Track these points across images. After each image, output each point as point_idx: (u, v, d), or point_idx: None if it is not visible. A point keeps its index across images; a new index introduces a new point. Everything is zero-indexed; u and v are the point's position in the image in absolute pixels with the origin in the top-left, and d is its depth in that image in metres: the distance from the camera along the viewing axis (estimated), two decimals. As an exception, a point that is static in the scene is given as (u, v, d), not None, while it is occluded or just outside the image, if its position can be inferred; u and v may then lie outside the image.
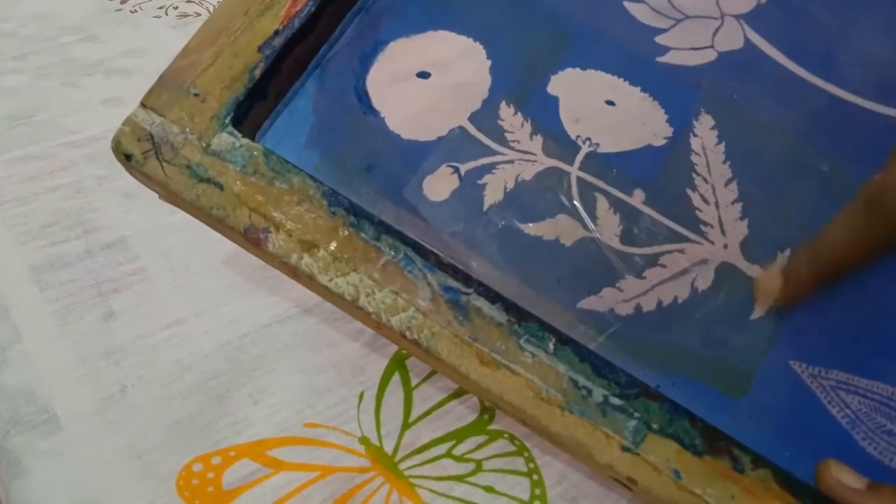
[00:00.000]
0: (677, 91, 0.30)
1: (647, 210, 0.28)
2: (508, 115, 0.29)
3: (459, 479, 0.31)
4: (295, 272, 0.26)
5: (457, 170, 0.28)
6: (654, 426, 0.25)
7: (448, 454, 0.32)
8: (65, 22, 0.60)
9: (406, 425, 0.33)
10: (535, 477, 0.31)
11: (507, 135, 0.29)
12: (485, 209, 0.28)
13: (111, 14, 0.61)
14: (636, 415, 0.25)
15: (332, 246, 0.26)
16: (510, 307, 0.26)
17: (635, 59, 0.30)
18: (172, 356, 0.34)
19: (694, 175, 0.29)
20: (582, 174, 0.29)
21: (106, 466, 0.30)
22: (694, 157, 0.29)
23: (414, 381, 0.34)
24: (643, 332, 0.27)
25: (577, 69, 0.30)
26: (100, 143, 0.47)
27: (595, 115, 0.30)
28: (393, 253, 0.26)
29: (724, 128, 0.30)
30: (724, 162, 0.29)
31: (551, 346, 0.26)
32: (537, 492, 0.31)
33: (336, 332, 0.36)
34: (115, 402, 0.33)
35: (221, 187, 0.27)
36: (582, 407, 0.25)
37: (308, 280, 0.26)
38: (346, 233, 0.26)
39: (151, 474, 0.30)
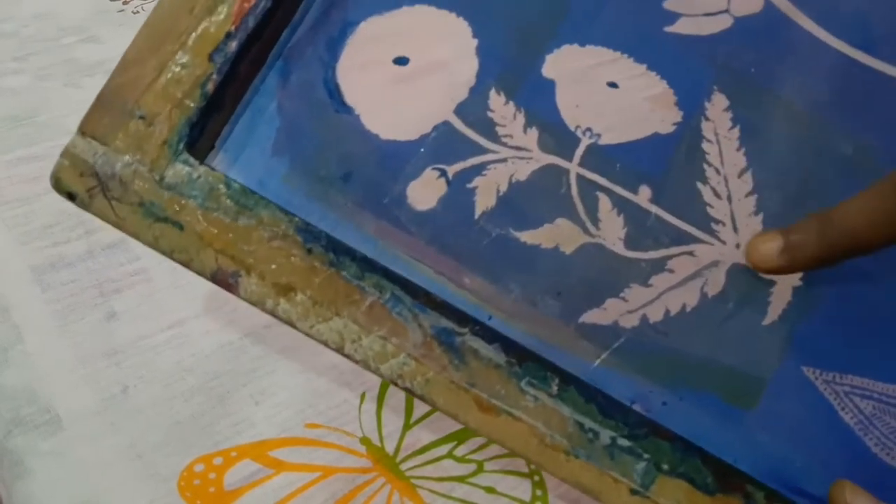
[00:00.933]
0: (688, 66, 0.27)
1: (654, 209, 0.26)
2: (499, 105, 0.26)
3: (460, 479, 0.31)
4: (273, 315, 0.24)
5: (444, 173, 0.26)
6: (665, 466, 0.24)
7: (449, 455, 0.32)
8: (66, 22, 0.60)
9: (407, 426, 0.33)
10: (536, 478, 0.31)
11: (498, 128, 0.26)
12: (476, 217, 0.26)
13: (113, 14, 0.61)
14: (645, 456, 0.24)
15: (311, 290, 0.24)
16: (509, 347, 0.24)
17: (641, 29, 0.27)
18: (174, 357, 0.34)
19: (705, 166, 0.27)
20: (582, 171, 0.26)
21: (107, 467, 0.30)
22: (705, 145, 0.27)
23: (415, 382, 0.34)
24: (649, 344, 0.25)
25: (576, 45, 0.27)
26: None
27: (596, 100, 0.27)
28: (378, 293, 0.24)
29: (739, 108, 0.27)
30: (738, 149, 0.27)
31: (555, 387, 0.24)
32: (538, 493, 0.31)
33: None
34: (117, 402, 0.33)
35: (181, 227, 0.24)
36: (588, 451, 0.24)
37: (288, 325, 0.24)
38: (326, 273, 0.24)
39: (152, 475, 0.30)
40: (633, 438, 0.24)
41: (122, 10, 0.61)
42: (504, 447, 0.24)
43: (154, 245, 0.24)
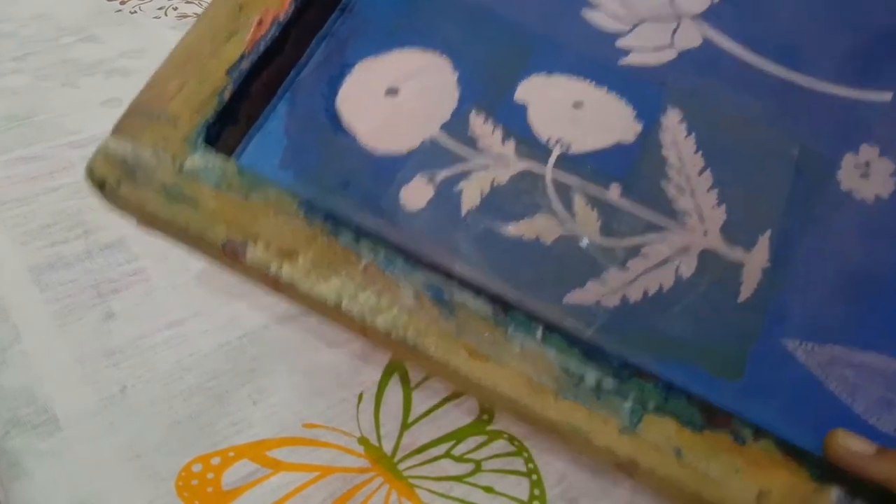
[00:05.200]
0: (643, 89, 0.31)
1: (625, 203, 0.29)
2: (479, 124, 0.30)
3: (459, 479, 0.31)
4: (276, 282, 0.26)
5: (432, 178, 0.29)
6: (651, 405, 0.25)
7: (447, 454, 0.32)
8: (65, 23, 0.60)
9: (405, 426, 0.33)
10: (534, 477, 0.31)
11: (478, 141, 0.29)
12: (463, 214, 0.28)
13: (111, 15, 0.61)
14: (631, 396, 0.25)
15: (312, 253, 0.26)
16: (495, 299, 0.26)
17: (598, 62, 0.31)
18: (172, 357, 0.34)
19: (667, 167, 0.29)
20: (556, 173, 0.29)
21: (105, 467, 0.30)
22: (665, 151, 0.30)
23: (413, 382, 0.34)
24: (632, 322, 0.27)
25: (543, 74, 0.31)
26: (99, 143, 0.47)
27: (564, 117, 0.30)
28: (373, 255, 0.26)
29: (693, 120, 0.30)
30: (696, 152, 0.30)
31: (539, 334, 0.26)
32: (536, 492, 0.31)
33: (335, 333, 0.36)
34: (115, 402, 0.33)
35: (197, 205, 0.26)
36: (575, 392, 0.25)
37: (289, 289, 0.26)
38: (325, 239, 0.26)
39: (151, 475, 0.30)
40: (618, 379, 0.26)
41: (119, 10, 0.61)
42: (494, 395, 0.25)
43: (172, 221, 0.27)
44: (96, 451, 0.31)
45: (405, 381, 0.34)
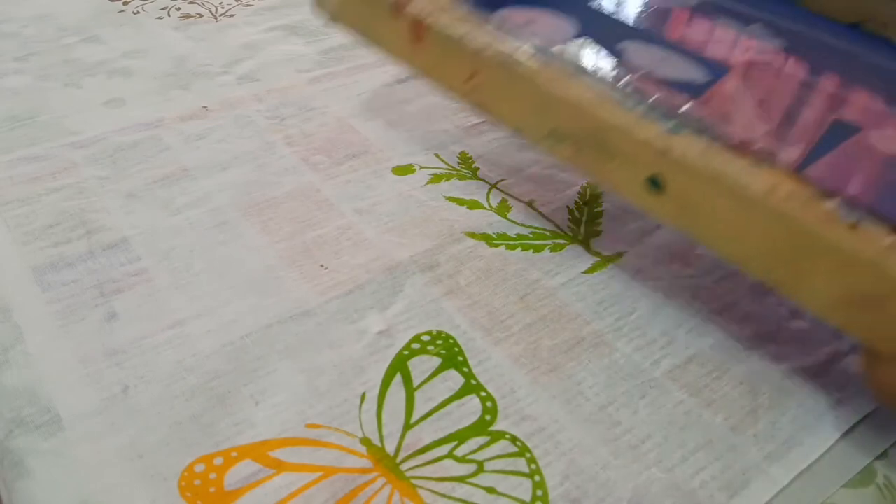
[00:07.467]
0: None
1: None
2: None
3: (461, 479, 0.31)
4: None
5: None
6: None
7: (450, 455, 0.32)
8: (67, 23, 0.60)
9: (408, 426, 0.33)
10: (536, 478, 0.31)
11: None
12: None
13: (113, 15, 0.61)
14: None
15: None
16: None
17: None
18: (174, 357, 0.35)
19: None
20: None
21: (108, 467, 0.30)
22: None
23: (416, 382, 0.34)
24: None
25: None
26: (102, 143, 0.47)
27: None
28: None
29: None
30: None
31: None
32: (539, 493, 0.31)
33: (338, 333, 0.36)
34: (117, 402, 0.33)
35: None
36: None
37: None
38: None
39: (153, 475, 0.30)
40: None
41: (122, 11, 0.61)
42: None
43: None
44: (99, 451, 0.31)
45: (408, 381, 0.34)
